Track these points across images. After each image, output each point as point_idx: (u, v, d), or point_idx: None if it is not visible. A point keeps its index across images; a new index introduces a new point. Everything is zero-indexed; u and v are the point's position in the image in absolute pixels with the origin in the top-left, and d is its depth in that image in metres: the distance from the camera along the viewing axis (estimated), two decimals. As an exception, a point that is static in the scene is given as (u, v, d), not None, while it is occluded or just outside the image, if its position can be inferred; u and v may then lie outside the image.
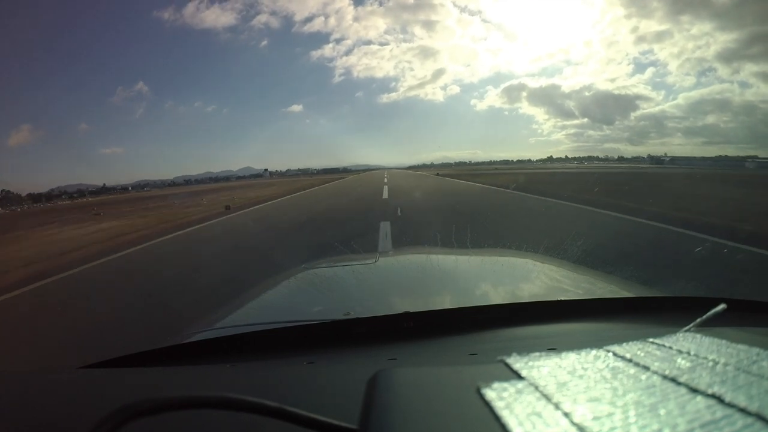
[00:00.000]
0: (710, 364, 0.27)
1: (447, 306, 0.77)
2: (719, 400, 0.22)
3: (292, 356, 0.62)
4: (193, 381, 0.51)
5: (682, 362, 0.28)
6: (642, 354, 0.30)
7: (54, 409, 0.43)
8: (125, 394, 0.47)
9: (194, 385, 0.49)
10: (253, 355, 0.65)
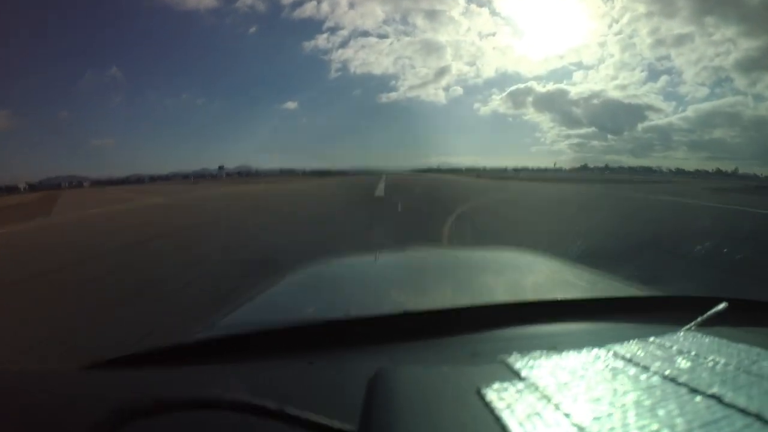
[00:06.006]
0: (710, 364, 0.27)
1: (447, 305, 0.77)
2: (719, 400, 0.22)
3: (292, 356, 0.62)
4: (193, 382, 0.51)
5: (683, 362, 0.28)
6: (642, 354, 0.30)
7: (54, 409, 0.43)
8: (125, 394, 0.47)
9: (194, 385, 0.49)
10: (252, 356, 0.64)
